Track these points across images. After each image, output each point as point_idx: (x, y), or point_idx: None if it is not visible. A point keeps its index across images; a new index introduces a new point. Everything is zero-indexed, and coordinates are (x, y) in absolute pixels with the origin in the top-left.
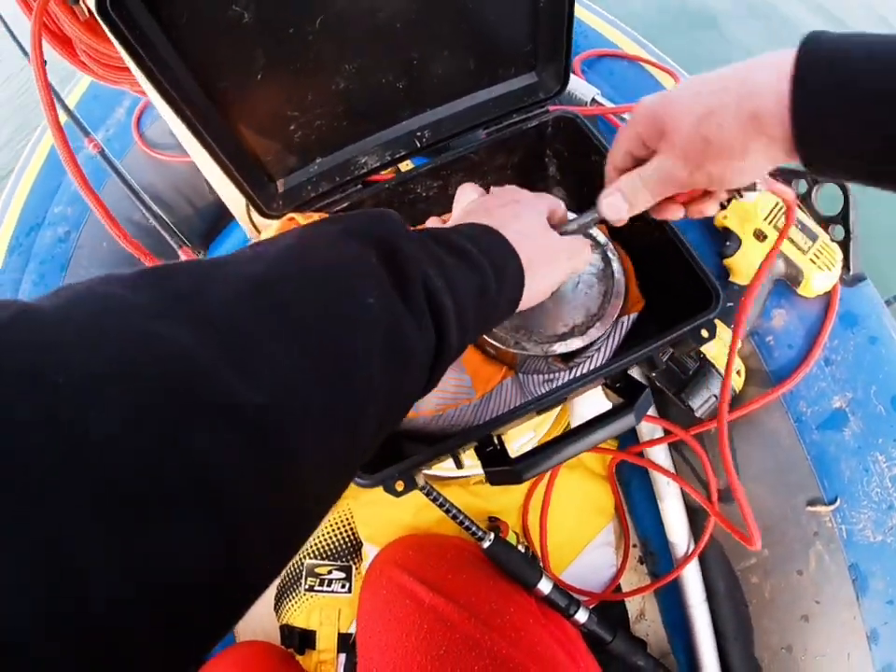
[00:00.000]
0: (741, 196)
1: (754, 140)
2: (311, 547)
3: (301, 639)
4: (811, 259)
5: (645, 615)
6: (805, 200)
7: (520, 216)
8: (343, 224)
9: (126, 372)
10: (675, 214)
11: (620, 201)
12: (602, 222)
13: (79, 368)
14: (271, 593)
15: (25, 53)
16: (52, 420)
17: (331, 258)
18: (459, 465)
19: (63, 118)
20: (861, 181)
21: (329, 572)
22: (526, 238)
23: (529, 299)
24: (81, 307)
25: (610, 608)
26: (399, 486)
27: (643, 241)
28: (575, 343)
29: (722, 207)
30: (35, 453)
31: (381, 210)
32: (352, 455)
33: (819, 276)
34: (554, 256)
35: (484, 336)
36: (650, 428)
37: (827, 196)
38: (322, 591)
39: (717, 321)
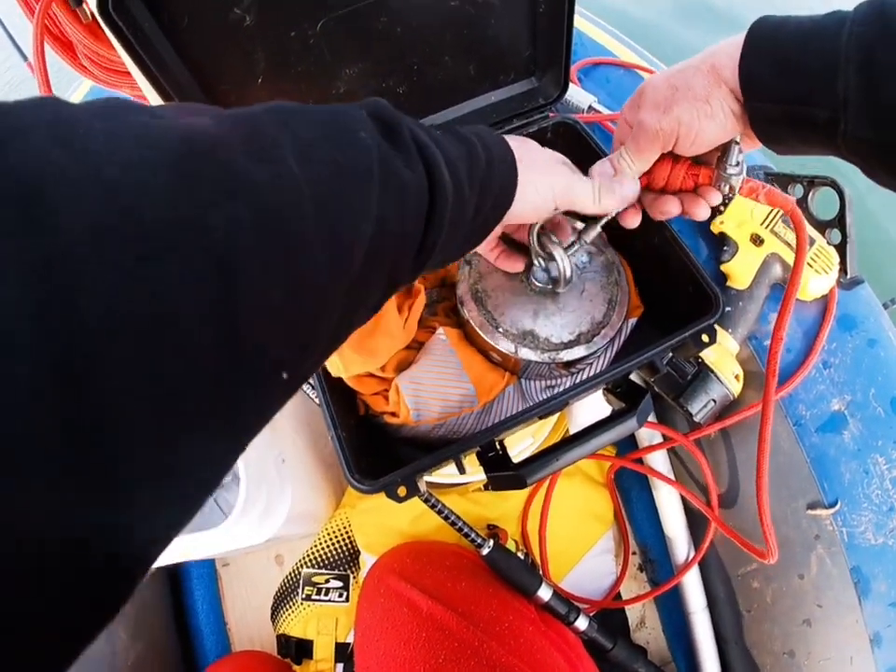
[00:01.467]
0: (725, 173)
1: (715, 87)
2: (308, 556)
3: (298, 649)
4: (808, 263)
5: (645, 622)
6: (801, 204)
7: (525, 141)
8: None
9: (142, 135)
10: (670, 207)
11: (605, 165)
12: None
13: (98, 130)
14: (267, 602)
15: (24, 56)
16: (69, 162)
17: (327, 108)
18: (462, 469)
19: None
20: (784, 131)
21: (327, 581)
22: (519, 142)
23: (528, 198)
24: (104, 101)
25: (611, 615)
26: (402, 492)
27: (643, 246)
28: (580, 352)
29: (724, 205)
30: (50, 174)
31: (372, 98)
32: (349, 262)
33: (817, 280)
34: (552, 162)
35: (489, 341)
36: (648, 434)
37: (823, 200)
38: (319, 600)
39: (716, 325)
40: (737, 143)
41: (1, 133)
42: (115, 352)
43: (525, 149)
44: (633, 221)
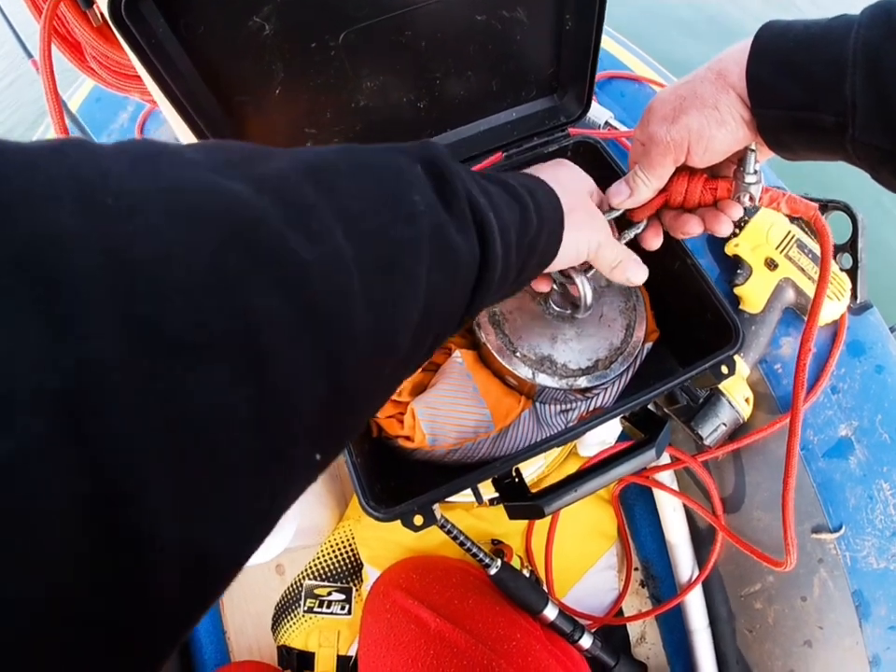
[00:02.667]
0: (743, 182)
1: (723, 94)
2: (311, 568)
3: (299, 661)
4: None
5: (646, 638)
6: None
7: (562, 173)
8: (391, 144)
9: (179, 203)
10: (692, 227)
11: (622, 185)
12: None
13: (129, 194)
14: (267, 611)
15: (29, 54)
16: (96, 238)
17: (379, 161)
18: (479, 499)
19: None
20: (792, 137)
21: (329, 594)
22: (567, 190)
23: (568, 252)
24: (137, 148)
25: (612, 631)
26: (419, 521)
27: (662, 271)
28: (598, 378)
29: (740, 227)
30: (73, 265)
31: (424, 140)
32: (397, 346)
33: (829, 305)
34: (593, 213)
35: (506, 366)
36: None
37: (835, 224)
38: (321, 612)
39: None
40: (753, 150)
41: (8, 196)
42: (142, 456)
43: (575, 198)
44: (654, 243)
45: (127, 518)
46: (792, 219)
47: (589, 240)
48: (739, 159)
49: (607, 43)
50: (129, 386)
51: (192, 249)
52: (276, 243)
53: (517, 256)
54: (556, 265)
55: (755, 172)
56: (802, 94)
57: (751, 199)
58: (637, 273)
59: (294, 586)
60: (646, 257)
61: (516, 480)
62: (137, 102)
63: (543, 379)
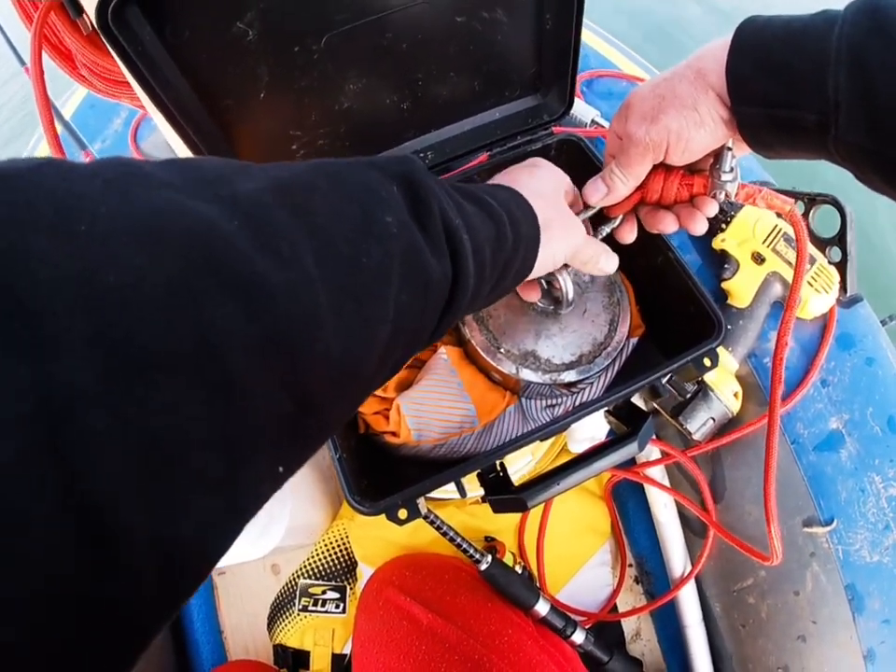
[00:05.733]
0: (719, 180)
1: (702, 94)
2: (305, 567)
3: (294, 659)
4: (809, 282)
5: (641, 635)
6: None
7: (537, 177)
8: (367, 159)
9: (148, 228)
10: (667, 224)
11: (598, 183)
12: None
13: (102, 219)
14: (262, 610)
15: (22, 62)
16: (68, 263)
17: (353, 179)
18: (463, 493)
19: (58, 128)
20: (772, 135)
21: (324, 592)
22: (542, 198)
23: (544, 263)
24: (111, 169)
25: (607, 627)
26: (403, 514)
27: (645, 266)
28: (582, 373)
29: (726, 222)
30: (43, 291)
31: (405, 154)
32: (364, 367)
33: (817, 299)
34: (569, 221)
35: (491, 362)
36: (647, 449)
37: (824, 218)
38: (316, 611)
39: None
40: (730, 148)
41: None
42: (113, 474)
43: (550, 208)
44: (629, 237)
45: (101, 526)
46: (779, 214)
47: (566, 247)
48: (716, 154)
49: (594, 41)
50: (98, 407)
51: (160, 273)
52: (244, 266)
53: (491, 273)
54: (535, 275)
55: (731, 169)
56: (783, 92)
57: (727, 195)
58: (608, 263)
59: (289, 585)
60: (629, 252)
61: (500, 474)
62: (131, 108)
63: (527, 374)
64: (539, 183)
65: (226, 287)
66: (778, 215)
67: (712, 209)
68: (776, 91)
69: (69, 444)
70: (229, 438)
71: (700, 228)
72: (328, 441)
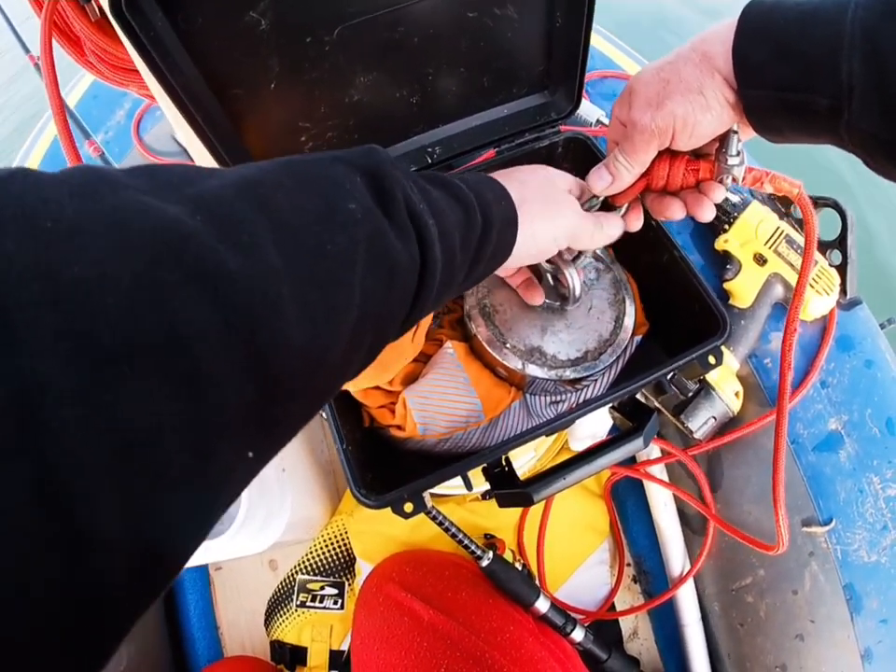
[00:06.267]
0: (726, 164)
1: (708, 77)
2: (303, 563)
3: (291, 655)
4: (811, 284)
5: (638, 633)
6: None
7: (523, 170)
8: (333, 154)
9: (113, 224)
10: (673, 211)
11: (602, 171)
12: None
13: (67, 219)
14: (260, 606)
15: (26, 49)
16: (35, 261)
17: (318, 174)
18: (469, 487)
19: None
20: (781, 119)
21: (322, 588)
22: (521, 183)
23: (526, 248)
24: (79, 176)
25: (604, 626)
26: (409, 508)
27: (651, 263)
28: (587, 369)
29: (729, 223)
30: (9, 287)
31: (369, 146)
32: (331, 354)
33: (818, 301)
34: (552, 198)
35: (497, 357)
36: (647, 448)
37: (825, 221)
38: (314, 607)
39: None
40: (736, 132)
41: None
42: (84, 464)
43: (529, 190)
44: (635, 225)
45: (74, 520)
46: (781, 216)
47: (555, 229)
48: (721, 139)
49: (599, 42)
50: (68, 399)
51: (125, 267)
52: (205, 256)
53: (463, 257)
54: (520, 260)
55: (738, 153)
56: (794, 75)
57: (734, 180)
58: (613, 228)
59: (287, 581)
60: (634, 250)
61: (506, 469)
62: (134, 99)
63: (533, 370)
64: (522, 174)
65: (191, 279)
66: (782, 215)
67: (719, 194)
68: (786, 75)
69: (40, 437)
70: (197, 427)
71: (708, 214)
72: (333, 434)
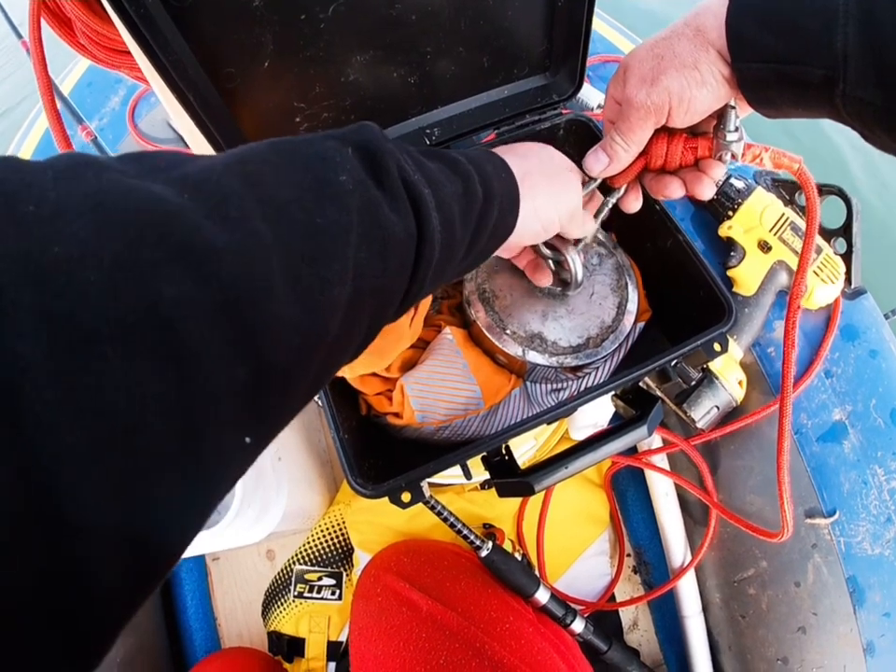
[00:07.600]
0: (724, 140)
1: (702, 52)
2: (301, 553)
3: (289, 647)
4: (815, 272)
5: (638, 624)
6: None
7: (524, 146)
8: (325, 132)
9: (96, 205)
10: (672, 190)
11: (599, 153)
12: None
13: (50, 201)
14: (257, 597)
15: (19, 35)
16: (16, 241)
17: (308, 151)
18: (469, 476)
19: (57, 104)
20: (776, 92)
21: (319, 579)
22: (524, 157)
23: (528, 220)
24: (64, 161)
25: (604, 617)
26: (406, 497)
27: (654, 249)
28: (588, 356)
29: (733, 210)
30: None
31: (361, 122)
32: (325, 330)
33: (823, 289)
34: (555, 173)
35: (496, 343)
36: (649, 438)
37: (830, 209)
38: (312, 598)
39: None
40: (733, 107)
41: None
42: (68, 448)
43: (531, 164)
44: (634, 206)
45: (61, 509)
46: (786, 202)
47: (558, 204)
48: (719, 115)
49: (600, 27)
50: (50, 380)
51: (106, 246)
52: (189, 233)
53: (463, 230)
54: (522, 237)
55: (736, 129)
56: (787, 47)
57: (734, 156)
58: (591, 224)
59: (284, 572)
60: (637, 235)
61: (506, 457)
62: (129, 86)
63: (533, 356)
64: (523, 148)
65: (174, 256)
66: (787, 202)
67: (719, 171)
68: (780, 47)
69: (21, 421)
70: (185, 409)
71: (708, 192)
72: (328, 422)
